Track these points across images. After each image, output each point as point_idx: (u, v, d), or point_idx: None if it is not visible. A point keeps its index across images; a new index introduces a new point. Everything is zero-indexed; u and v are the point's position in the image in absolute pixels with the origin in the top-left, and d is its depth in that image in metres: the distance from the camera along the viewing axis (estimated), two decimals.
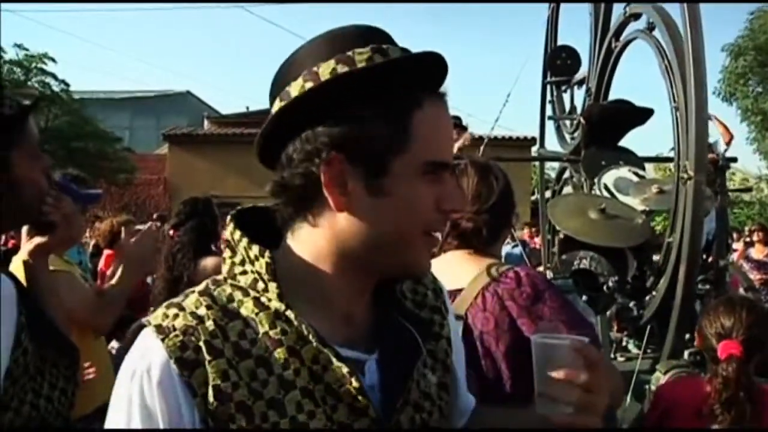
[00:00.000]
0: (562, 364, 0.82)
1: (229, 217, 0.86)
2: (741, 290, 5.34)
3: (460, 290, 1.58)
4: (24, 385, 1.07)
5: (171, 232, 3.18)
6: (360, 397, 0.78)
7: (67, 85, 15.63)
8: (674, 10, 2.94)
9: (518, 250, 7.27)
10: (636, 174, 3.42)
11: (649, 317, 2.77)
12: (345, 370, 0.77)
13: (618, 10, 3.75)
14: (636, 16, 3.30)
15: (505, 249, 8.19)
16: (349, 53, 0.78)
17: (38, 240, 1.71)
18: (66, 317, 2.04)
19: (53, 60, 15.16)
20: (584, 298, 2.68)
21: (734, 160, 3.82)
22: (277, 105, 0.81)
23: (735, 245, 7.50)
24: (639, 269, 2.90)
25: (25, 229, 1.85)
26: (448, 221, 0.85)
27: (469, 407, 1.03)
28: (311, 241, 0.82)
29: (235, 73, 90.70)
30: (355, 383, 0.77)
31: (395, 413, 0.81)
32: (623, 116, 3.74)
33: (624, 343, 3.59)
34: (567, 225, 2.79)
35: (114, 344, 3.44)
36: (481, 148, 4.55)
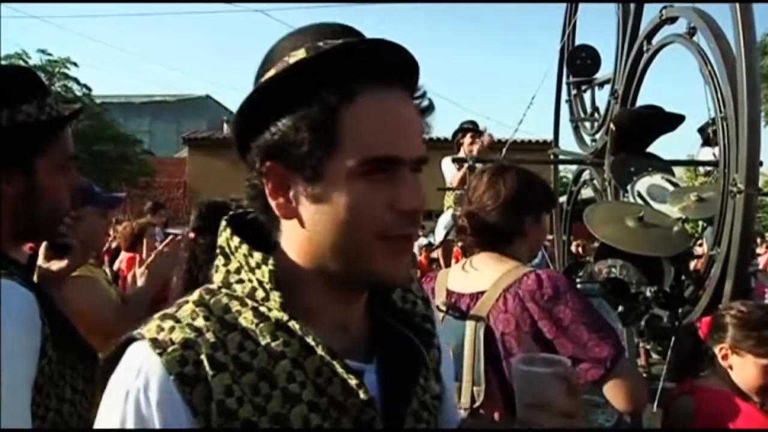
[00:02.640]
0: (542, 391, 0.82)
1: (223, 223, 0.81)
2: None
3: (482, 293, 1.60)
4: (48, 392, 1.06)
5: (192, 235, 3.16)
6: (366, 410, 0.74)
7: (89, 89, 15.88)
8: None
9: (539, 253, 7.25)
10: (669, 181, 3.35)
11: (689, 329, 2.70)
12: (354, 382, 0.72)
13: (649, 12, 3.69)
14: (672, 20, 3.22)
15: None
16: (286, 57, 0.74)
17: (54, 265, 1.70)
18: (84, 323, 2.06)
19: (75, 64, 15.42)
20: (620, 309, 2.61)
21: (760, 163, 3.75)
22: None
23: (759, 250, 7.40)
24: (676, 279, 2.84)
25: (42, 248, 1.81)
26: (411, 223, 0.75)
27: (454, 422, 0.99)
28: (290, 250, 0.78)
29: (255, 77, 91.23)
30: (363, 396, 0.73)
31: (399, 423, 0.78)
32: (654, 122, 3.67)
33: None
34: (604, 233, 2.73)
35: None
36: (503, 151, 4.51)
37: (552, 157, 5.39)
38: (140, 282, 2.24)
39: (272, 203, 0.76)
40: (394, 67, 0.74)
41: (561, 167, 6.81)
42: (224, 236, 0.80)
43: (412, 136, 0.76)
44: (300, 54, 0.73)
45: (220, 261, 0.80)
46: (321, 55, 0.71)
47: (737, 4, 2.40)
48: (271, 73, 0.74)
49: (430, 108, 0.79)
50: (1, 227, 1.12)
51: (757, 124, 2.42)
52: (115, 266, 5.10)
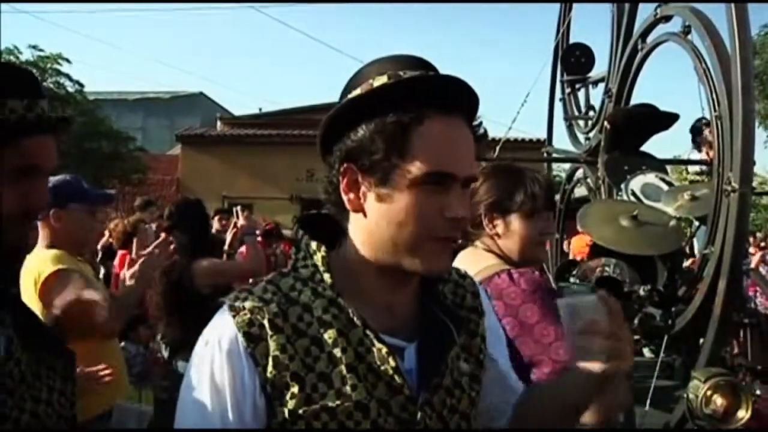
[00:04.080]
0: (588, 318, 0.94)
1: (295, 220, 1.03)
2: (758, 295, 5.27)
3: None
4: (22, 395, 1.04)
5: (163, 234, 3.17)
6: (396, 377, 0.89)
7: (82, 85, 15.76)
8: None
9: None
10: (663, 180, 3.35)
11: (682, 327, 2.70)
12: (384, 351, 0.89)
13: (644, 11, 3.69)
14: (667, 18, 3.21)
15: None
16: (371, 80, 0.92)
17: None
18: (67, 317, 2.04)
19: (68, 60, 15.29)
20: None
21: (753, 162, 3.76)
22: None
23: (750, 249, 7.44)
24: (669, 277, 2.84)
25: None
26: (456, 228, 0.92)
27: (514, 389, 1.12)
28: (352, 240, 0.96)
29: (248, 74, 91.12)
30: (392, 363, 0.89)
31: (429, 393, 0.92)
32: (648, 121, 3.67)
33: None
34: (599, 234, 2.72)
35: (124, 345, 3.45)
36: (496, 149, 4.51)
37: (546, 155, 5.40)
38: (128, 282, 2.22)
39: (344, 197, 0.94)
40: (458, 98, 0.92)
41: (555, 166, 6.82)
42: (295, 230, 1.00)
43: (465, 157, 0.92)
44: (383, 80, 0.92)
45: (293, 250, 1.01)
46: (401, 83, 0.90)
47: (732, 3, 2.40)
48: (357, 92, 0.93)
49: (484, 136, 0.97)
50: None
51: (752, 122, 2.42)
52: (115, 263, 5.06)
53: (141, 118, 25.10)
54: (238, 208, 3.63)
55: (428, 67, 0.95)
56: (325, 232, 0.98)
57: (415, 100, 0.89)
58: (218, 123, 18.74)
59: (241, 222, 3.53)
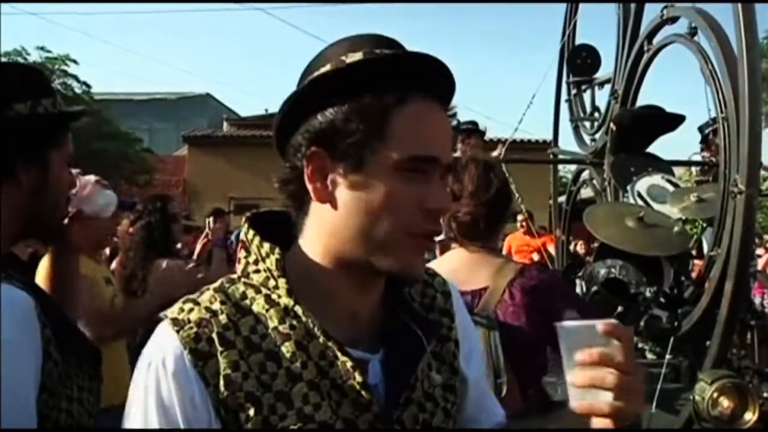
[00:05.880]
0: (593, 346, 0.76)
1: (244, 219, 0.90)
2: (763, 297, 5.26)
3: (484, 288, 1.66)
4: (59, 394, 1.07)
5: (131, 230, 3.16)
6: (363, 392, 0.79)
7: (89, 86, 15.82)
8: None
9: (536, 255, 7.26)
10: (669, 181, 3.35)
11: (688, 329, 2.70)
12: (349, 364, 0.79)
13: (650, 12, 3.68)
14: (673, 20, 3.21)
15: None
16: (343, 57, 0.82)
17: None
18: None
19: (75, 62, 15.37)
20: (620, 309, 2.61)
21: (760, 164, 3.75)
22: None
23: (758, 251, 7.41)
24: (675, 279, 2.83)
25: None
26: (436, 222, 0.82)
27: (490, 412, 1.01)
28: (311, 238, 0.85)
29: (255, 75, 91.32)
30: (358, 377, 0.79)
31: (398, 410, 0.82)
32: (654, 123, 3.67)
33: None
34: (604, 233, 2.73)
35: None
36: (502, 150, 4.51)
37: (551, 156, 5.40)
38: None
39: (309, 186, 0.82)
40: (438, 80, 0.84)
41: (560, 167, 6.82)
42: (244, 230, 0.88)
43: (446, 144, 0.85)
44: (357, 56, 0.81)
45: (242, 253, 0.89)
46: (381, 59, 0.81)
47: (739, 4, 2.39)
48: (327, 68, 0.82)
49: (457, 126, 0.85)
50: (1, 227, 1.12)
51: (758, 124, 2.41)
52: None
53: (148, 120, 25.16)
54: (210, 219, 3.61)
55: (400, 47, 0.86)
56: (275, 233, 0.87)
57: (395, 80, 0.80)
58: (225, 124, 18.78)
59: (212, 230, 3.50)
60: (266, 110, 20.35)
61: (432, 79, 0.83)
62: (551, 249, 6.02)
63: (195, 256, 3.59)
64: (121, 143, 16.03)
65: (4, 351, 0.94)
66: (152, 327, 0.82)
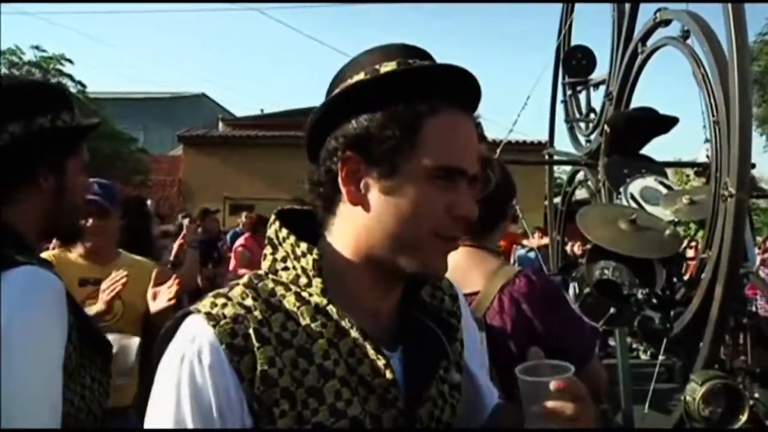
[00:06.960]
0: (547, 399, 0.83)
1: (273, 216, 0.92)
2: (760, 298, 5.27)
3: (476, 293, 1.64)
4: (75, 378, 1.16)
5: None
6: (391, 389, 0.83)
7: (84, 86, 15.75)
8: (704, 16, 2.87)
9: (532, 254, 7.27)
10: (662, 183, 3.36)
11: (680, 330, 2.72)
12: (381, 362, 0.82)
13: (644, 14, 3.70)
14: (666, 23, 3.23)
15: (519, 252, 8.22)
16: (377, 65, 0.86)
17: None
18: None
19: (70, 61, 15.30)
20: (612, 310, 2.62)
21: (752, 166, 3.77)
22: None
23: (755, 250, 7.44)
24: (667, 281, 2.85)
25: None
26: (461, 228, 0.87)
27: (490, 404, 1.05)
28: (340, 238, 0.88)
29: (250, 75, 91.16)
30: (389, 375, 0.82)
31: (418, 406, 0.86)
32: (648, 124, 3.68)
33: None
34: (597, 235, 2.74)
35: None
36: (497, 151, 4.52)
37: (547, 157, 5.41)
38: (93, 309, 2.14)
39: (343, 188, 0.86)
40: (467, 92, 0.88)
41: (556, 168, 6.83)
42: (273, 228, 0.90)
43: (473, 155, 0.88)
44: (391, 66, 0.86)
45: (267, 250, 0.90)
46: (414, 70, 0.85)
47: (729, 5, 2.40)
48: (361, 76, 0.86)
49: (482, 135, 0.92)
50: (29, 222, 1.24)
51: (748, 128, 2.43)
52: None
53: (143, 119, 25.09)
54: (186, 220, 3.63)
55: (431, 58, 0.90)
56: (302, 231, 0.89)
57: (428, 90, 0.84)
58: (220, 124, 18.72)
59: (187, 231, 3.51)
60: (262, 110, 20.41)
61: (462, 90, 0.87)
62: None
63: (171, 257, 3.62)
64: (116, 143, 15.95)
65: (43, 323, 1.06)
66: (178, 322, 0.83)
